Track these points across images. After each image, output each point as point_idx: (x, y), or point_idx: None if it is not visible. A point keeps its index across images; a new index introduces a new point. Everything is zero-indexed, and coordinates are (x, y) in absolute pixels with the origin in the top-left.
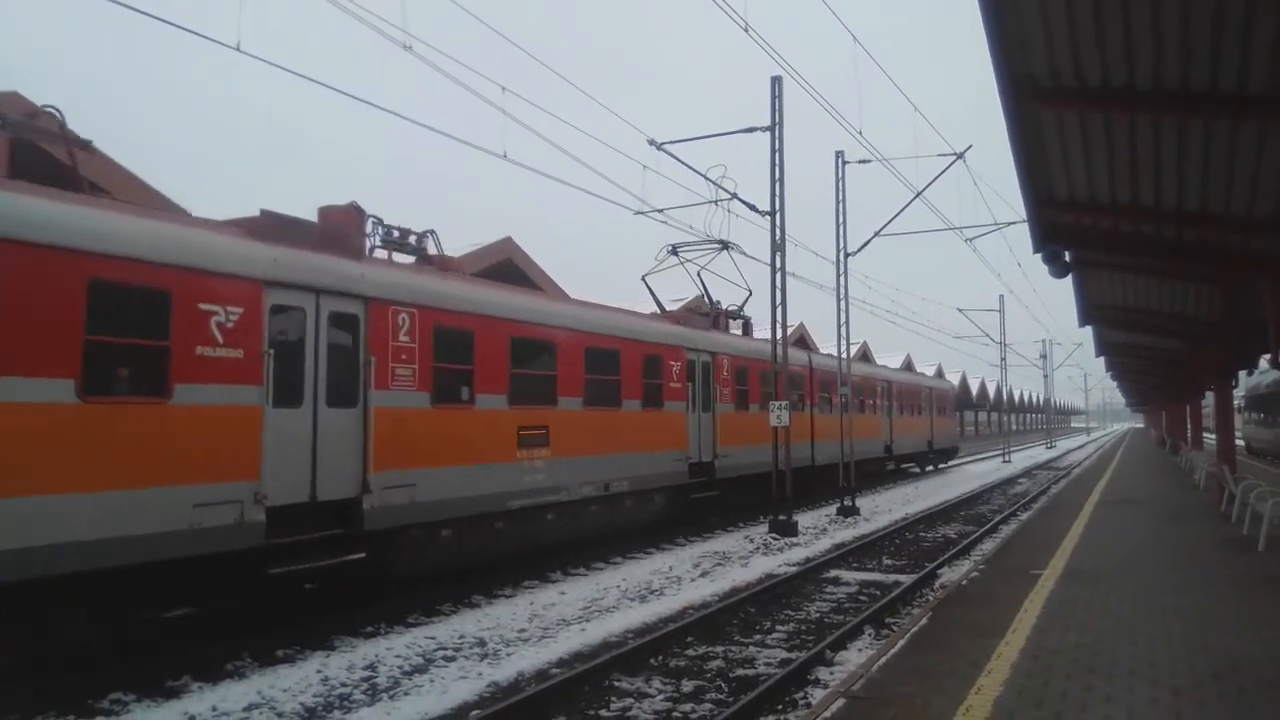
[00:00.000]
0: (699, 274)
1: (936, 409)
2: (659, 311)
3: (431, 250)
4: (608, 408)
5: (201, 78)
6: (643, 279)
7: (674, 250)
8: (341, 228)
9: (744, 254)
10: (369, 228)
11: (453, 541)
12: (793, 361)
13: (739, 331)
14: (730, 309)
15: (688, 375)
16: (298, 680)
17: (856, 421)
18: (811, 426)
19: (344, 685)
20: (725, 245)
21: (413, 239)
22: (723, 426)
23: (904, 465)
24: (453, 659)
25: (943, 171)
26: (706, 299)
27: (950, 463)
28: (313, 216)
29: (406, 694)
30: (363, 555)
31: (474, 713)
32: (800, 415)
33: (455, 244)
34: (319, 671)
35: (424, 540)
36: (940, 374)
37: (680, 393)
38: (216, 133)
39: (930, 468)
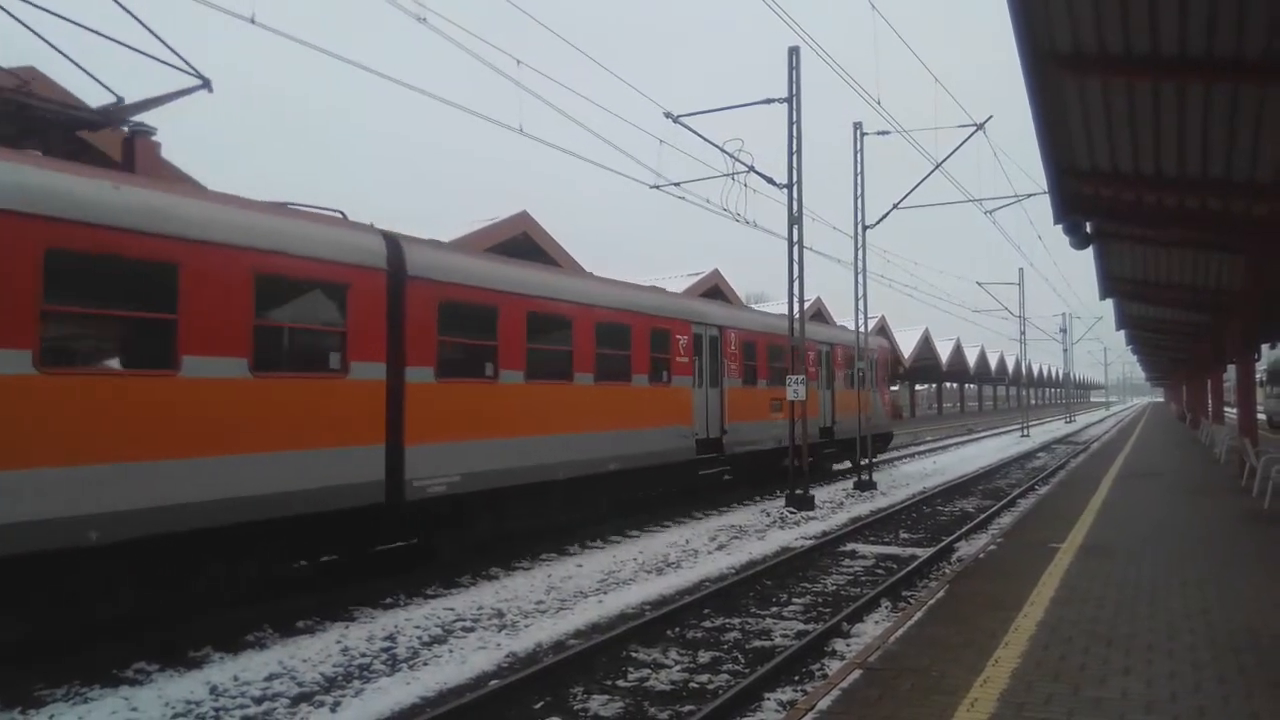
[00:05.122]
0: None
1: (844, 378)
2: None
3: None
4: None
5: (223, 62)
6: None
7: None
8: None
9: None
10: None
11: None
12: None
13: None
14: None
15: None
16: (318, 650)
17: (593, 396)
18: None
19: (364, 655)
20: None
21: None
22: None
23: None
24: (471, 630)
25: (963, 143)
26: None
27: (881, 456)
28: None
29: (426, 664)
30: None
31: (493, 682)
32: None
33: (468, 219)
34: (339, 642)
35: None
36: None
37: None
38: (232, 117)
39: (841, 465)
